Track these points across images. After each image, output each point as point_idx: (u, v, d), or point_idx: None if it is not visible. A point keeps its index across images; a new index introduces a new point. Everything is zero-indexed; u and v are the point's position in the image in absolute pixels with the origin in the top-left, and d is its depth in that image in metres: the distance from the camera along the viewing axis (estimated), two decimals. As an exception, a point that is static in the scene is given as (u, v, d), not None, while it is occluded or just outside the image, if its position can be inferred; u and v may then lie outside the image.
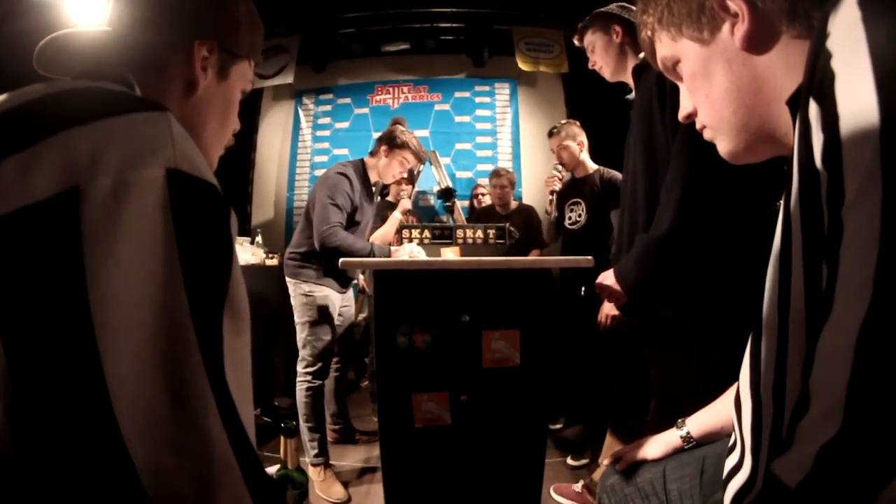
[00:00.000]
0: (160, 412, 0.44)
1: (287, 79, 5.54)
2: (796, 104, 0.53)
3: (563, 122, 3.24)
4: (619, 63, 1.95)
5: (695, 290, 1.64)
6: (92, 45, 0.69)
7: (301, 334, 2.60)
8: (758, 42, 0.60)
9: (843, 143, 0.42)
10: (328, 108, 5.89)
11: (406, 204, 3.66)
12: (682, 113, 0.76)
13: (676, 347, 1.69)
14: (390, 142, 2.67)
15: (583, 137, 3.10)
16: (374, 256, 2.43)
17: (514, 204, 4.10)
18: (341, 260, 1.63)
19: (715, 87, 0.66)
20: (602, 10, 1.97)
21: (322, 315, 2.57)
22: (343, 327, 2.85)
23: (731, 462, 0.69)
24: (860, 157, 0.41)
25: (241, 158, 5.90)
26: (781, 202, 0.55)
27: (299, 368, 2.60)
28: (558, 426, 3.36)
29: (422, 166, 5.17)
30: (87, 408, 0.43)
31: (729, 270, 1.64)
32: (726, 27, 0.63)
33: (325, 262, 2.56)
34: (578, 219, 3.03)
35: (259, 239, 4.10)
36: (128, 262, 0.44)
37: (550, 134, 3.26)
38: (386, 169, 2.69)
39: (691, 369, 1.68)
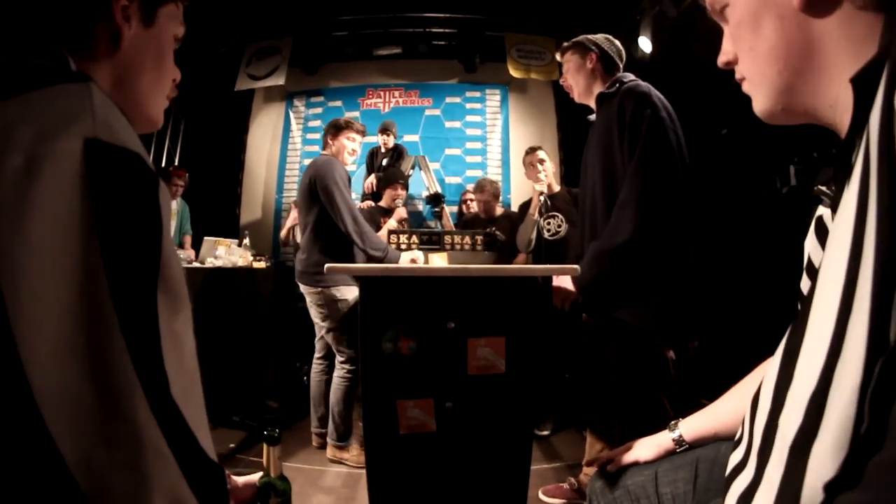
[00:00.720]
0: (87, 402, 0.41)
1: (278, 80, 5.54)
2: (864, 83, 0.49)
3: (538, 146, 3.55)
4: (587, 87, 2.15)
5: (651, 296, 1.88)
6: (9, 14, 0.64)
7: (333, 336, 2.81)
8: (818, 5, 0.55)
9: None
10: (319, 110, 5.88)
11: (402, 212, 3.68)
12: (723, 59, 0.71)
13: (635, 349, 1.93)
14: (334, 128, 2.95)
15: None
16: (391, 262, 2.63)
17: (499, 210, 4.12)
18: (327, 266, 1.63)
19: (762, 41, 0.61)
20: (588, 36, 2.17)
21: (350, 316, 2.75)
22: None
23: (735, 459, 0.68)
24: None
25: (230, 159, 5.87)
26: (855, 201, 0.48)
27: (338, 373, 2.83)
28: (545, 432, 3.37)
29: (411, 169, 5.19)
30: (6, 400, 0.40)
31: (682, 278, 1.90)
32: None
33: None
34: (558, 229, 3.15)
35: (247, 241, 4.08)
36: (39, 239, 0.41)
37: (528, 151, 3.51)
38: (340, 153, 2.93)
39: (649, 369, 1.94)
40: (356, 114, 5.77)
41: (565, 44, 2.21)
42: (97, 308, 0.42)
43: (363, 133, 3.03)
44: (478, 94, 5.86)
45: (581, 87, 2.16)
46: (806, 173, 4.07)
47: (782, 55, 0.60)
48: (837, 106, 0.56)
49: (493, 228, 3.58)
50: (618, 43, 2.18)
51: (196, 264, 3.62)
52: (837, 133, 0.58)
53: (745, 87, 0.68)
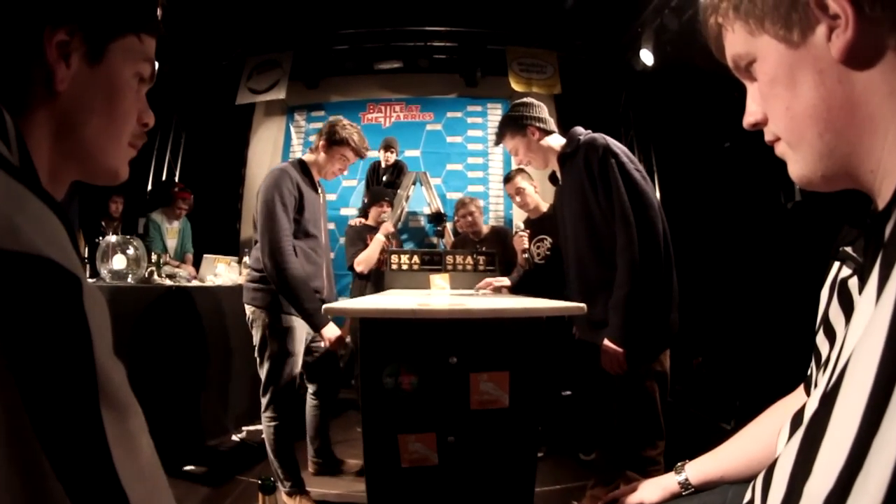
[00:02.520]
0: None
1: (279, 94, 5.55)
2: None
3: (514, 169, 3.54)
4: (544, 156, 2.28)
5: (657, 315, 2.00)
6: None
7: (261, 370, 2.42)
8: (860, 56, 0.51)
9: None
10: (320, 125, 5.80)
11: (388, 227, 3.66)
12: (749, 120, 0.66)
13: (638, 375, 2.02)
14: (330, 137, 2.50)
15: (535, 181, 3.40)
16: (311, 311, 2.29)
17: (486, 228, 4.09)
18: (325, 307, 1.60)
19: (800, 100, 0.57)
20: (511, 115, 2.31)
21: (284, 351, 2.38)
22: (319, 357, 2.67)
23: None
24: None
25: (231, 174, 5.87)
26: (883, 282, 0.46)
27: (262, 407, 2.44)
28: (539, 454, 3.33)
29: (412, 185, 5.18)
30: None
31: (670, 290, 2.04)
32: (821, 30, 0.54)
33: None
34: (548, 252, 3.12)
35: (247, 259, 4.06)
36: None
37: (506, 180, 3.56)
38: (326, 165, 2.53)
39: (644, 383, 2.03)
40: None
41: (497, 132, 2.39)
42: (26, 457, 0.36)
43: (361, 156, 2.63)
44: (479, 109, 5.86)
45: (539, 159, 2.29)
46: (842, 203, 4.04)
47: (823, 115, 0.55)
48: (879, 170, 0.53)
49: (483, 248, 3.58)
50: (535, 102, 2.33)
51: (196, 282, 3.61)
52: (874, 199, 0.55)
53: (780, 150, 0.63)
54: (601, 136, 2.10)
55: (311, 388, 2.73)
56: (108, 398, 0.41)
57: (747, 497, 0.71)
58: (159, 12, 0.70)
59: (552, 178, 2.37)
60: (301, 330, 2.44)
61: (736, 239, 4.61)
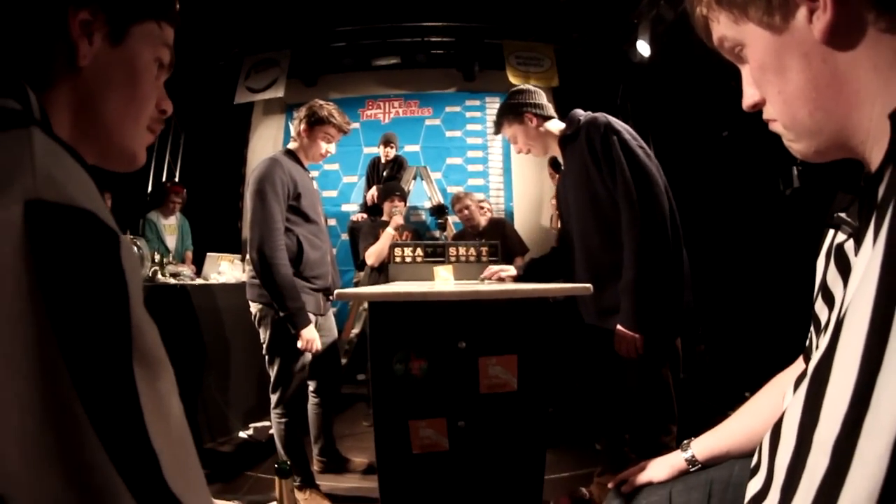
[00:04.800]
0: None
1: (277, 93, 5.55)
2: None
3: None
4: (543, 143, 2.26)
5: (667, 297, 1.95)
6: None
7: (271, 368, 2.41)
8: (841, 35, 0.53)
9: None
10: (319, 122, 5.88)
11: (398, 220, 3.68)
12: (748, 102, 0.68)
13: (654, 353, 1.98)
14: (310, 119, 2.45)
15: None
16: (293, 310, 2.26)
17: (484, 221, 4.13)
18: (337, 291, 1.62)
19: (789, 83, 0.59)
20: (509, 103, 2.28)
21: (294, 347, 2.33)
22: (321, 352, 2.57)
23: (753, 487, 0.67)
24: None
25: (231, 173, 5.87)
26: (877, 235, 0.48)
27: (272, 404, 2.43)
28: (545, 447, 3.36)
29: (412, 179, 5.20)
30: None
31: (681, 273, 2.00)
32: (802, 14, 0.55)
33: (306, 279, 2.40)
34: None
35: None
36: None
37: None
38: (311, 149, 2.49)
39: (658, 368, 2.01)
40: (356, 125, 5.78)
41: (495, 120, 2.35)
42: (62, 404, 0.37)
43: (345, 132, 2.58)
44: (477, 103, 5.87)
45: (539, 145, 2.27)
46: (809, 175, 4.06)
47: (811, 96, 0.57)
48: (868, 139, 0.55)
49: (484, 240, 3.60)
50: (532, 88, 2.30)
51: (199, 281, 3.62)
52: (867, 165, 0.57)
53: (775, 128, 0.66)
54: (602, 115, 2.07)
55: (311, 386, 2.69)
56: (140, 353, 0.42)
57: (754, 461, 0.73)
58: (177, 5, 0.72)
59: (554, 163, 2.37)
60: (316, 331, 2.43)
61: (735, 227, 4.62)
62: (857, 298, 0.49)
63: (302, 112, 2.50)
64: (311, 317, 2.40)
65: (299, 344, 2.29)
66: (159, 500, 0.41)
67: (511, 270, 2.36)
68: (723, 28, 0.65)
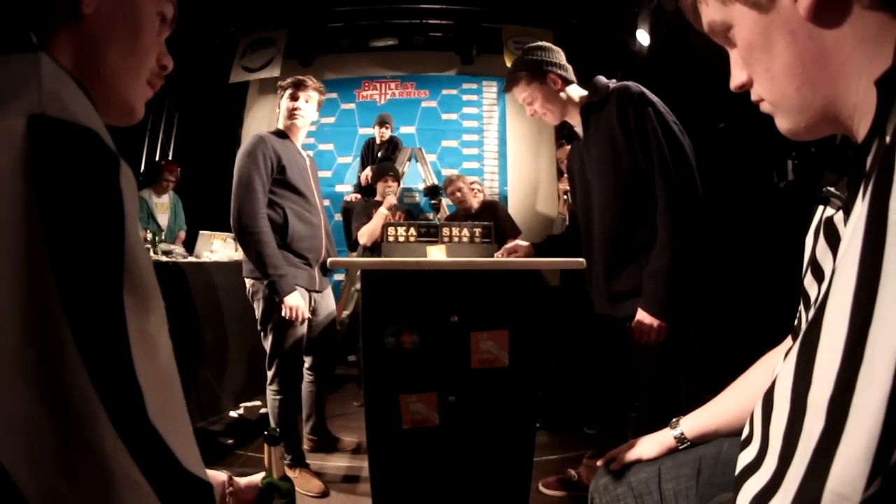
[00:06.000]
0: (44, 429, 0.36)
1: (273, 72, 5.48)
2: (887, 87, 0.49)
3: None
4: (562, 108, 2.06)
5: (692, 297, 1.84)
6: None
7: (265, 343, 2.42)
8: (826, 12, 0.54)
9: None
10: (314, 103, 5.85)
11: (391, 199, 3.68)
12: (735, 82, 0.69)
13: (674, 344, 1.86)
14: (294, 87, 2.55)
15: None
16: (274, 277, 2.25)
17: (476, 203, 4.13)
18: (330, 260, 1.61)
19: (776, 61, 0.60)
20: (530, 58, 2.04)
21: (287, 321, 2.34)
22: (318, 330, 2.64)
23: (746, 457, 0.67)
24: None
25: (225, 153, 5.83)
26: (862, 199, 0.48)
27: (268, 380, 2.44)
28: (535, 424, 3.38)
29: (407, 161, 5.18)
30: None
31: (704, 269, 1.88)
32: None
33: (295, 252, 2.40)
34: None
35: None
36: None
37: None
38: (278, 115, 2.58)
39: (674, 358, 1.91)
40: (352, 106, 5.75)
41: (511, 76, 2.10)
42: (46, 318, 0.36)
43: (321, 92, 2.64)
44: (474, 86, 5.83)
45: (557, 111, 2.07)
46: (803, 168, 4.07)
47: (798, 72, 0.58)
48: (856, 113, 0.55)
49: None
50: (554, 46, 2.09)
51: (192, 259, 3.60)
52: (854, 138, 0.58)
53: (764, 108, 0.66)
54: (635, 84, 1.90)
55: (306, 363, 2.70)
56: (132, 281, 0.41)
57: (745, 432, 0.73)
58: None
59: (567, 134, 2.24)
60: (302, 299, 2.43)
61: (730, 218, 4.64)
62: (844, 259, 0.50)
63: (281, 91, 2.59)
64: (304, 292, 2.40)
65: (284, 312, 2.28)
66: (141, 435, 0.40)
67: (525, 245, 2.17)
68: (711, 11, 0.65)
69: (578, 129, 2.10)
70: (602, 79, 2.01)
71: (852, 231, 0.49)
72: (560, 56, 2.07)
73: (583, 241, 2.12)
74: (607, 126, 1.91)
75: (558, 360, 3.45)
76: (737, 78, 0.68)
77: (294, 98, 2.53)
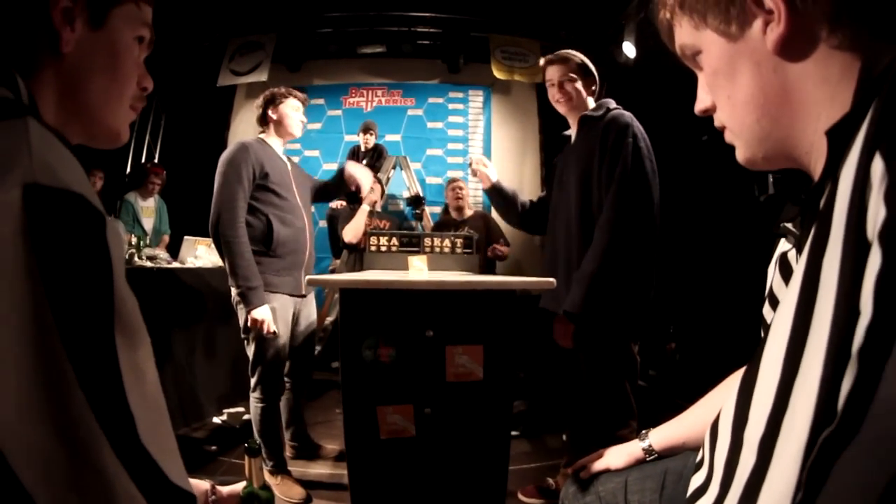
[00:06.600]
0: (56, 456, 0.42)
1: (261, 77, 5.49)
2: (839, 136, 0.49)
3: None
4: (580, 106, 2.23)
5: (624, 303, 2.00)
6: None
7: (249, 350, 2.42)
8: (793, 48, 0.54)
9: None
10: (301, 108, 5.85)
11: (372, 197, 3.74)
12: (700, 107, 0.70)
13: (608, 353, 2.06)
14: (272, 102, 2.53)
15: None
16: (244, 288, 2.25)
17: (469, 211, 4.21)
18: (308, 277, 1.64)
19: (739, 89, 0.61)
20: (585, 62, 2.24)
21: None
22: (298, 339, 2.63)
23: (696, 481, 0.71)
24: None
25: (211, 156, 5.81)
26: (807, 250, 0.49)
27: (251, 387, 2.45)
28: (515, 433, 3.42)
29: (392, 169, 5.21)
30: None
31: (650, 285, 2.03)
32: (758, 24, 0.57)
33: (280, 257, 2.41)
34: None
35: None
36: None
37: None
38: (286, 122, 2.54)
39: (621, 371, 2.06)
40: (339, 112, 5.77)
41: (556, 57, 2.25)
42: (53, 364, 0.42)
43: (304, 102, 2.64)
44: (461, 95, 5.88)
45: (578, 105, 2.22)
46: (784, 183, 4.15)
47: (759, 103, 0.59)
48: (813, 151, 0.57)
49: (467, 228, 3.65)
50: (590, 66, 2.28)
51: (176, 264, 3.60)
52: (811, 176, 0.59)
53: (726, 137, 0.68)
54: (629, 115, 2.08)
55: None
56: (121, 322, 0.47)
57: (699, 456, 0.77)
58: None
59: (563, 138, 2.35)
60: (285, 308, 2.44)
61: (710, 229, 4.71)
62: (782, 308, 0.53)
63: (260, 101, 2.57)
64: (287, 301, 2.42)
65: (248, 324, 2.29)
66: (135, 457, 0.46)
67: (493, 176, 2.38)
68: (683, 34, 0.67)
69: (571, 132, 2.29)
70: (610, 101, 2.19)
71: (793, 280, 0.52)
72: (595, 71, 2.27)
73: (548, 236, 2.31)
74: (589, 140, 2.09)
75: (526, 370, 3.51)
76: (701, 102, 0.70)
77: (297, 110, 2.59)
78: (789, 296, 0.52)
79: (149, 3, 0.73)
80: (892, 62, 0.47)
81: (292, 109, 2.55)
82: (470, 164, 2.44)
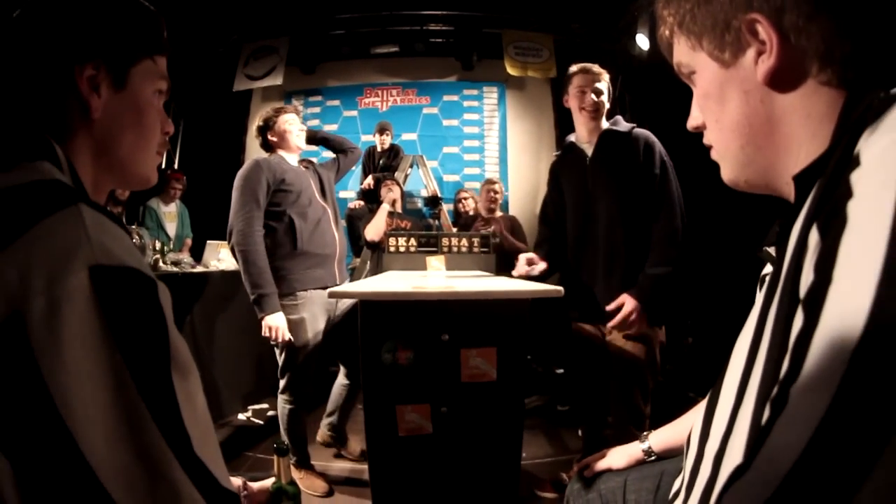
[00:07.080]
0: (137, 473, 0.52)
1: (276, 80, 5.57)
2: (803, 182, 0.52)
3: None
4: (601, 120, 2.25)
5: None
6: None
7: (279, 356, 2.49)
8: (782, 80, 0.56)
9: (818, 330, 0.40)
10: (317, 109, 5.94)
11: (391, 196, 3.84)
12: (692, 123, 0.72)
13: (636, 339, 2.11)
14: (266, 127, 2.58)
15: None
16: (257, 296, 2.31)
17: (498, 214, 4.28)
18: (329, 290, 1.71)
19: (727, 115, 0.62)
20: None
21: (299, 338, 2.42)
22: (344, 331, 2.64)
23: (676, 485, 0.77)
24: (828, 362, 0.39)
25: (229, 160, 5.92)
26: (765, 286, 0.54)
27: (280, 388, 2.52)
28: (563, 408, 3.50)
29: (409, 168, 5.26)
30: (76, 480, 0.50)
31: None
32: (751, 53, 0.58)
33: (308, 252, 2.46)
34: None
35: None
36: (75, 364, 0.50)
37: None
38: (289, 138, 2.57)
39: (650, 356, 2.13)
40: (354, 113, 5.83)
41: (602, 74, 2.27)
42: (129, 402, 0.52)
43: (297, 112, 2.71)
44: (475, 92, 5.90)
45: (600, 118, 2.26)
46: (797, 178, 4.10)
47: (745, 131, 0.61)
48: (792, 184, 0.58)
49: (492, 227, 3.71)
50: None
51: (200, 268, 3.69)
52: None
53: (713, 155, 0.70)
54: (652, 135, 2.20)
55: (343, 370, 2.75)
56: (176, 364, 0.57)
57: (683, 461, 0.82)
58: (165, 34, 0.80)
59: (566, 147, 2.37)
60: (315, 315, 2.49)
61: (727, 221, 4.68)
62: (742, 336, 0.59)
63: (255, 132, 2.63)
64: (322, 297, 2.45)
65: (263, 331, 2.33)
66: (193, 466, 0.57)
67: (538, 268, 2.31)
68: (681, 51, 0.68)
69: (586, 145, 2.29)
70: (619, 118, 2.29)
71: (752, 313, 0.57)
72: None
73: (571, 248, 2.30)
74: (618, 155, 2.17)
75: (544, 365, 3.55)
76: (694, 119, 0.71)
77: (293, 125, 2.62)
78: (746, 332, 0.57)
79: (163, 54, 0.79)
80: (862, 113, 0.48)
81: (288, 124, 2.58)
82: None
